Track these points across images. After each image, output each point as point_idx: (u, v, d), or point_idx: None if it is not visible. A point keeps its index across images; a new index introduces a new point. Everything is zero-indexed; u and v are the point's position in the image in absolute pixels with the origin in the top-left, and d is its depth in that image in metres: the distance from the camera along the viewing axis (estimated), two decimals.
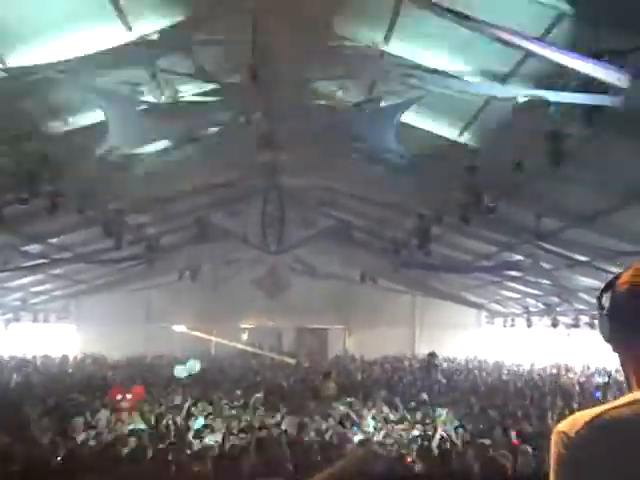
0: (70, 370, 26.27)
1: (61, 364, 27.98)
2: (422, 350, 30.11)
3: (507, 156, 11.27)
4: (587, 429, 1.97)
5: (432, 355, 26.56)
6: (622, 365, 2.14)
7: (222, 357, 30.48)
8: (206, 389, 19.05)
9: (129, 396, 15.75)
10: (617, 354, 2.15)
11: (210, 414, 14.94)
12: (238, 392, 18.49)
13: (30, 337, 30.53)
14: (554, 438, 2.04)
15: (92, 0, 9.23)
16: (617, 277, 2.16)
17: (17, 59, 9.76)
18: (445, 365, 28.08)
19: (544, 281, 18.95)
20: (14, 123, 11.76)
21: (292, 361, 29.43)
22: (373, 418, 15.24)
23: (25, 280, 23.84)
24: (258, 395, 17.93)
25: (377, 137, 12.38)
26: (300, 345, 33.28)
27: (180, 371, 19.98)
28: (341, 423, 14.07)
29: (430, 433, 12.85)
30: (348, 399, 17.49)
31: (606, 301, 2.15)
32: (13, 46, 9.66)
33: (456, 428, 13.59)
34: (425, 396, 18.34)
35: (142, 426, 13.57)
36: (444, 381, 23.47)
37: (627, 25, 7.63)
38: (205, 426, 13.49)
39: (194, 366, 20.57)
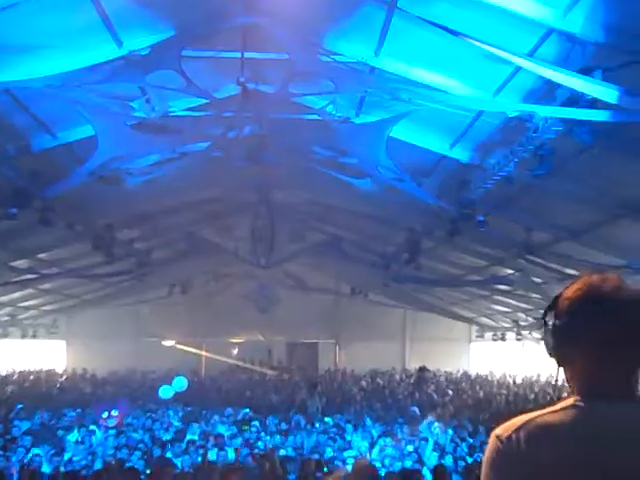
0: (59, 386, 26.10)
1: (50, 380, 27.80)
2: (413, 364, 30.10)
3: (497, 170, 11.27)
4: (516, 434, 2.06)
5: (422, 369, 26.55)
6: (566, 379, 2.20)
7: (212, 372, 30.37)
8: (196, 405, 18.99)
9: (116, 412, 15.68)
10: (561, 368, 2.21)
11: (200, 429, 14.89)
12: (227, 407, 18.43)
13: (19, 353, 30.36)
14: (490, 441, 2.12)
15: (82, 15, 9.22)
16: (560, 294, 2.23)
17: (6, 74, 9.74)
18: (436, 379, 28.02)
19: (534, 295, 18.93)
20: (3, 138, 11.73)
21: (285, 375, 29.39)
22: (361, 433, 15.15)
23: (14, 295, 23.70)
24: (246, 411, 17.90)
25: (367, 152, 12.39)
26: (291, 359, 33.17)
27: (166, 391, 19.87)
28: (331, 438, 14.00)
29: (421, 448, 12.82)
30: (336, 415, 17.44)
31: (550, 318, 2.21)
32: (2, 61, 9.65)
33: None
34: (416, 410, 18.28)
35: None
36: (435, 395, 23.41)
37: (615, 41, 7.69)
38: (194, 441, 13.42)
39: (181, 384, 20.47)
